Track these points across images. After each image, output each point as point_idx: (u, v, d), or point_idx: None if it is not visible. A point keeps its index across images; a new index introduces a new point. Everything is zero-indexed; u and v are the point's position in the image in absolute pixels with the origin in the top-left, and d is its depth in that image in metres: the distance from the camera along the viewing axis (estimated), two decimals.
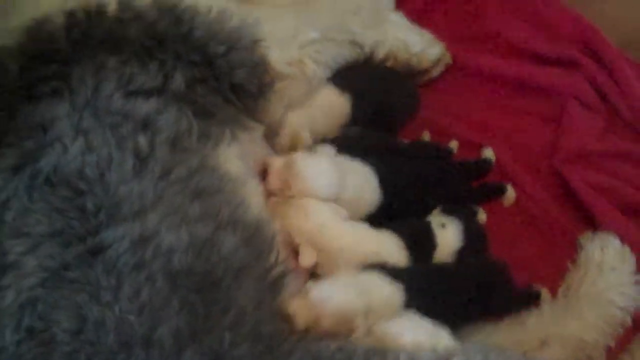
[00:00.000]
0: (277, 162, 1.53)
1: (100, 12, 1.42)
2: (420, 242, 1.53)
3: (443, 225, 1.57)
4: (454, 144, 1.81)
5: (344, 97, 1.72)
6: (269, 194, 1.52)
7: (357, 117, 1.73)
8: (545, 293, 1.58)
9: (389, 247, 1.49)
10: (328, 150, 1.60)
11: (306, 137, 1.63)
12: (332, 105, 1.71)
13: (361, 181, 1.57)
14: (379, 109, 1.77)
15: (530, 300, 1.56)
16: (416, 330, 1.30)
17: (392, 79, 1.85)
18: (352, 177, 1.55)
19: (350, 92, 1.72)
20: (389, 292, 1.38)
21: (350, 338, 1.26)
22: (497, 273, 1.53)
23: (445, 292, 1.45)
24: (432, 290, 1.43)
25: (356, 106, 1.73)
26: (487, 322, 1.48)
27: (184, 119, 1.38)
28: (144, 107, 1.35)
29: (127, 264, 1.16)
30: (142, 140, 1.30)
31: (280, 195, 1.51)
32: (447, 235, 1.57)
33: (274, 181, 1.51)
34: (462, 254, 1.56)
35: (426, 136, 1.84)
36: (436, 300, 1.41)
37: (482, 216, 1.68)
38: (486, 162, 1.77)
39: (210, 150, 1.39)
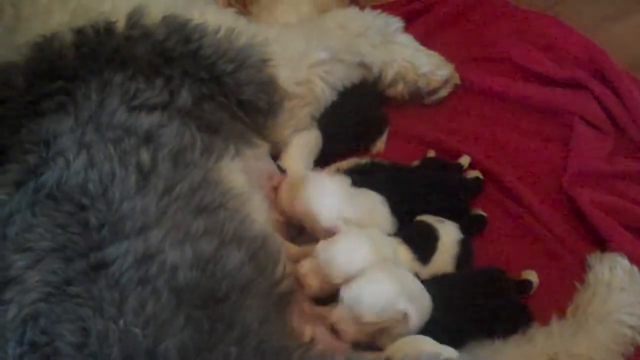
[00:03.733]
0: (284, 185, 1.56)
1: (109, 29, 1.44)
2: (424, 238, 1.55)
3: (441, 221, 1.59)
4: (464, 160, 1.80)
5: (314, 129, 1.74)
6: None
7: (330, 138, 1.77)
8: (534, 276, 1.58)
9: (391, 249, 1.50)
10: (341, 180, 1.60)
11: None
12: (312, 142, 1.73)
13: (370, 207, 1.58)
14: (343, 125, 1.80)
15: (523, 290, 1.56)
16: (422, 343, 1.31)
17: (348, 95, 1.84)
18: (361, 203, 1.56)
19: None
20: (421, 286, 1.40)
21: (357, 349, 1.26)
22: (503, 283, 1.53)
23: (456, 302, 1.46)
24: (446, 299, 1.43)
25: (324, 130, 1.76)
26: (495, 338, 1.46)
27: (187, 133, 1.38)
28: (147, 121, 1.36)
29: (131, 280, 1.16)
30: (145, 155, 1.30)
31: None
32: (448, 228, 1.58)
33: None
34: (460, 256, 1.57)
35: (431, 155, 1.84)
36: (448, 310, 1.42)
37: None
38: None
39: (213, 164, 1.40)
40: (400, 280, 1.36)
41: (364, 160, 1.79)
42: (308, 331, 1.35)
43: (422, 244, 1.53)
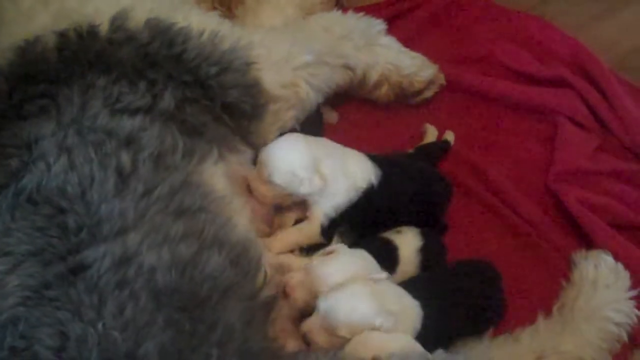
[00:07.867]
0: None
1: (92, 33, 1.42)
2: (385, 251, 1.54)
3: (398, 232, 1.59)
4: (450, 136, 1.85)
5: None
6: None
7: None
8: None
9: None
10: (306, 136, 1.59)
11: None
12: None
13: (345, 160, 1.57)
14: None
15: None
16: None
17: None
18: (335, 156, 1.56)
19: None
20: (409, 302, 1.40)
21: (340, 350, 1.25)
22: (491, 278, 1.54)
23: (445, 296, 1.46)
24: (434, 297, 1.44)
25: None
26: (483, 337, 1.47)
27: (169, 136, 1.37)
28: (128, 124, 1.35)
29: (109, 283, 1.15)
30: (125, 158, 1.30)
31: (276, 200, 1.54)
32: (406, 237, 1.58)
33: (256, 186, 1.52)
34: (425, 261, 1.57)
35: (450, 136, 1.87)
36: (437, 305, 1.42)
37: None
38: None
39: (195, 167, 1.39)
40: (381, 297, 1.35)
41: None
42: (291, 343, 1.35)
43: (384, 257, 1.51)
